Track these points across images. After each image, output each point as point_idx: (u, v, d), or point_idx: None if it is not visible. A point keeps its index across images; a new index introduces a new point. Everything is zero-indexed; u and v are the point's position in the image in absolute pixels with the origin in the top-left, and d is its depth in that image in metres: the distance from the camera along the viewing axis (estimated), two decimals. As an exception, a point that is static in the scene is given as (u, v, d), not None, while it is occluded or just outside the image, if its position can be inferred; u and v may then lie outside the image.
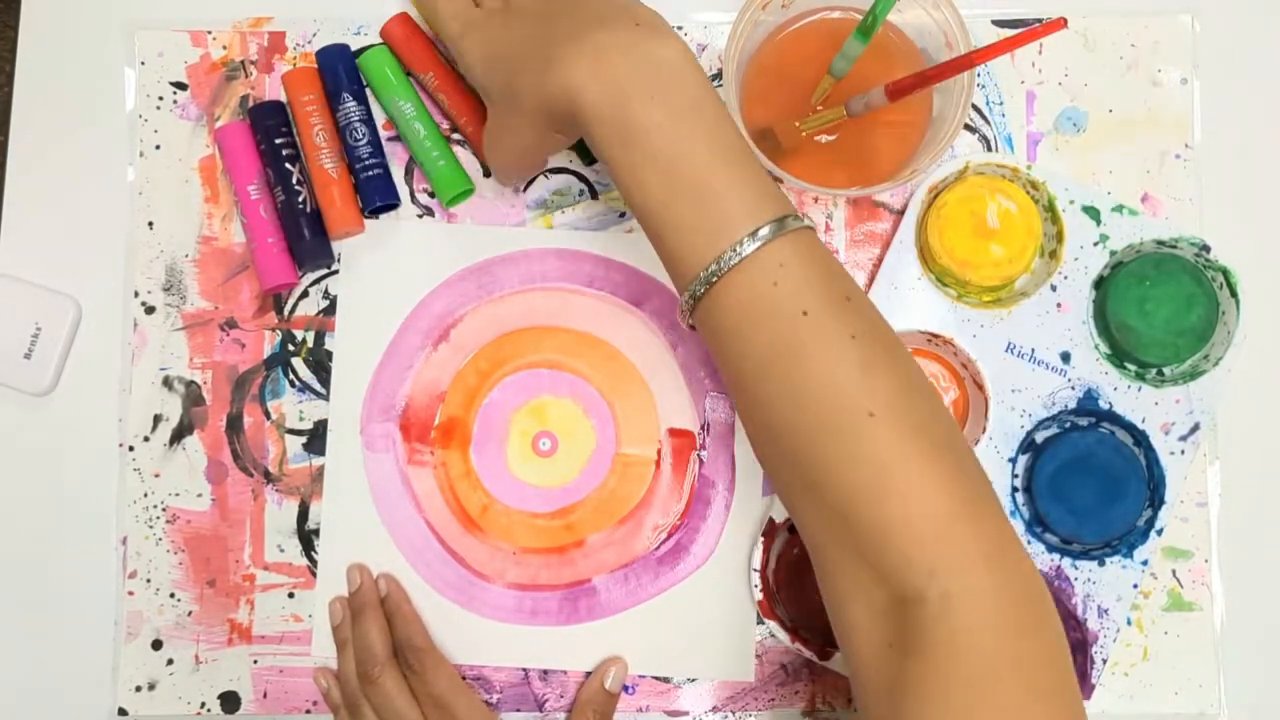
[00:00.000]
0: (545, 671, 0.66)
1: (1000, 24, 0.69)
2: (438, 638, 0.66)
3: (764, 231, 0.50)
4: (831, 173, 0.64)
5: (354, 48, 0.68)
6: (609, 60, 0.53)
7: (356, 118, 0.67)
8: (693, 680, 0.66)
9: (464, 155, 0.68)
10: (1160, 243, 0.66)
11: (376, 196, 0.67)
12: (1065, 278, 0.66)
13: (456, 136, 0.69)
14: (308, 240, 0.66)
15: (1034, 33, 0.56)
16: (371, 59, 0.68)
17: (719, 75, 0.67)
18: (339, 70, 0.67)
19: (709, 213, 0.51)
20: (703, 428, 0.67)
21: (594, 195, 0.68)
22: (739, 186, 0.51)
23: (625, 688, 0.66)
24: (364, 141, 0.67)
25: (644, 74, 0.52)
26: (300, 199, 0.67)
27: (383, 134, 0.68)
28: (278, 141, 0.67)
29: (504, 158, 0.61)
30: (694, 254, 0.51)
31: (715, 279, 0.51)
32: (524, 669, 0.66)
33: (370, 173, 0.67)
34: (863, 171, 0.64)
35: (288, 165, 0.67)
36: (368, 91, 0.68)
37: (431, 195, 0.68)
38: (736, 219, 0.51)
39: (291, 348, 0.68)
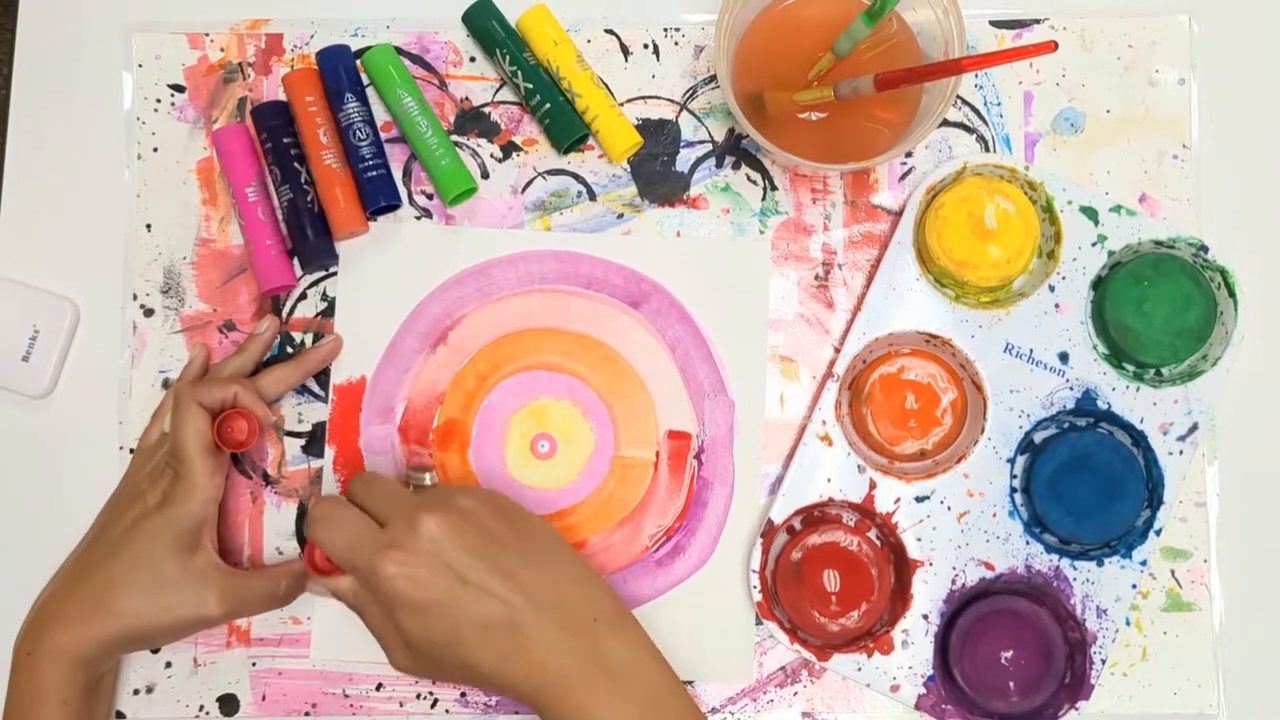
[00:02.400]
0: (544, 673, 0.66)
1: (998, 24, 0.69)
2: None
3: None
4: (812, 154, 0.64)
5: (352, 49, 0.68)
6: (571, 660, 0.55)
7: (359, 118, 0.67)
8: (691, 682, 0.66)
9: (466, 155, 0.68)
10: (1158, 243, 0.66)
11: (380, 196, 0.67)
12: (1063, 278, 0.66)
13: (456, 137, 0.69)
14: (312, 240, 0.66)
15: (1023, 51, 0.56)
16: (375, 56, 0.68)
17: (714, 78, 0.67)
18: (340, 71, 0.67)
19: None
20: (701, 429, 0.67)
21: (592, 197, 0.68)
22: None
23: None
24: (367, 142, 0.67)
25: (607, 673, 0.55)
26: (309, 198, 0.67)
27: (380, 135, 0.68)
28: (285, 141, 0.67)
29: (422, 674, 0.59)
30: None
31: None
32: (523, 671, 0.66)
33: (373, 173, 0.67)
34: (842, 159, 0.64)
35: (296, 165, 0.67)
36: (368, 93, 0.68)
37: (430, 197, 0.68)
38: None
39: (290, 350, 0.68)
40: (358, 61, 0.68)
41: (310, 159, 0.67)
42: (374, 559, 0.55)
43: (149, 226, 0.68)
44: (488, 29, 0.68)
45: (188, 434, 0.60)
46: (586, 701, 0.54)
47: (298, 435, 0.67)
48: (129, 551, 0.60)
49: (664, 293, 0.68)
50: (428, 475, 0.61)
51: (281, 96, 0.68)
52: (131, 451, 0.67)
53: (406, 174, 0.69)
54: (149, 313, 0.68)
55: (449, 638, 0.55)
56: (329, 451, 0.67)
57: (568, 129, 0.67)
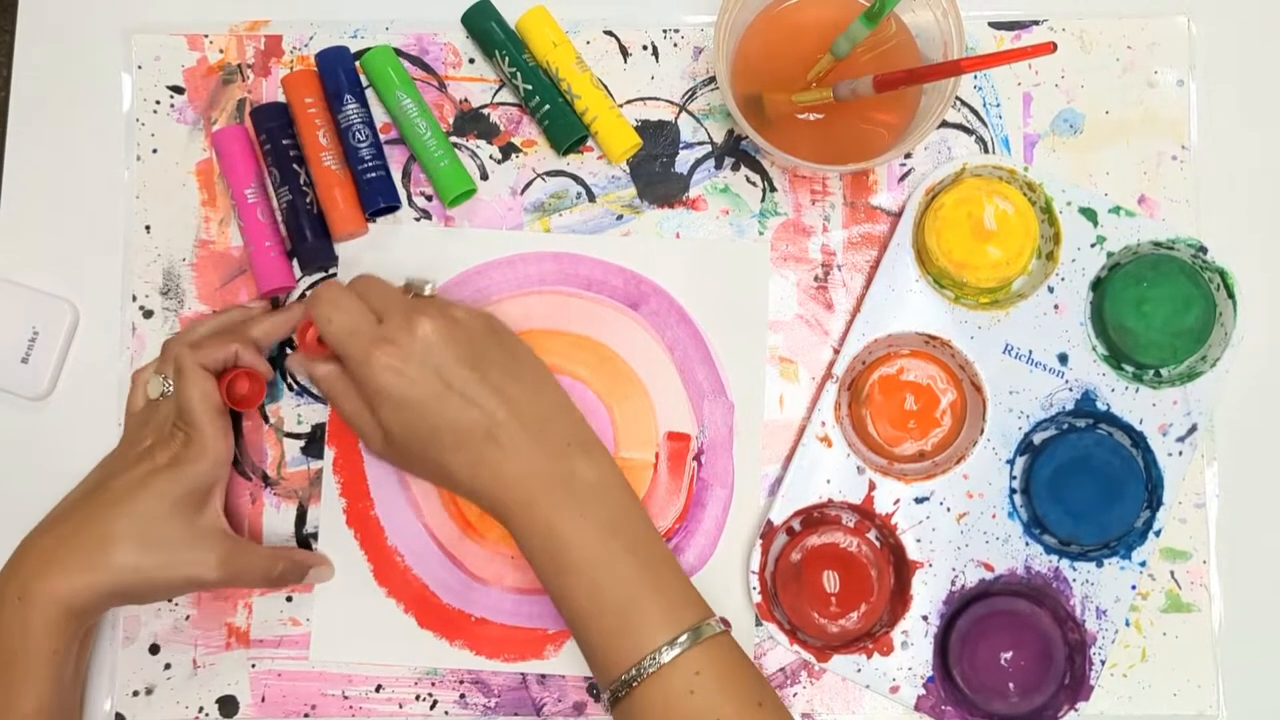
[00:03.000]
0: (543, 676, 0.66)
1: (997, 26, 0.69)
2: (436, 640, 0.66)
3: (682, 639, 0.55)
4: (811, 155, 0.64)
5: (352, 50, 0.68)
6: (541, 476, 0.57)
7: (358, 119, 0.67)
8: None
9: (465, 157, 0.68)
10: (1157, 244, 0.66)
11: (380, 197, 0.67)
12: (1063, 279, 0.66)
13: (456, 139, 0.69)
14: (311, 241, 0.66)
15: (1022, 52, 0.56)
16: (374, 58, 0.68)
17: (713, 79, 0.67)
18: (339, 72, 0.67)
19: (630, 622, 0.56)
20: (700, 431, 0.67)
21: (591, 198, 0.68)
22: (659, 597, 0.57)
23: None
24: (366, 143, 0.67)
25: (573, 492, 0.57)
26: (308, 200, 0.67)
27: (380, 137, 0.68)
28: (284, 142, 0.67)
29: (384, 458, 0.61)
30: (616, 658, 0.56)
31: (636, 683, 0.55)
32: (522, 673, 0.66)
33: (373, 174, 0.67)
34: (841, 160, 0.64)
35: (295, 166, 0.67)
36: (367, 94, 0.68)
37: (429, 198, 0.68)
38: (655, 628, 0.56)
39: (289, 351, 0.68)
40: (357, 63, 0.68)
41: (309, 160, 0.67)
42: (369, 348, 0.57)
43: (148, 228, 0.68)
44: (487, 30, 0.68)
45: (195, 397, 0.60)
46: (550, 515, 0.57)
47: (297, 437, 0.67)
48: (134, 505, 0.59)
49: (663, 294, 0.68)
50: (427, 286, 0.62)
51: (280, 98, 0.69)
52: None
53: (406, 175, 0.69)
54: (148, 314, 0.68)
55: (427, 437, 0.58)
56: (329, 453, 0.67)
57: (567, 130, 0.67)
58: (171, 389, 0.62)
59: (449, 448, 0.57)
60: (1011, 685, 0.63)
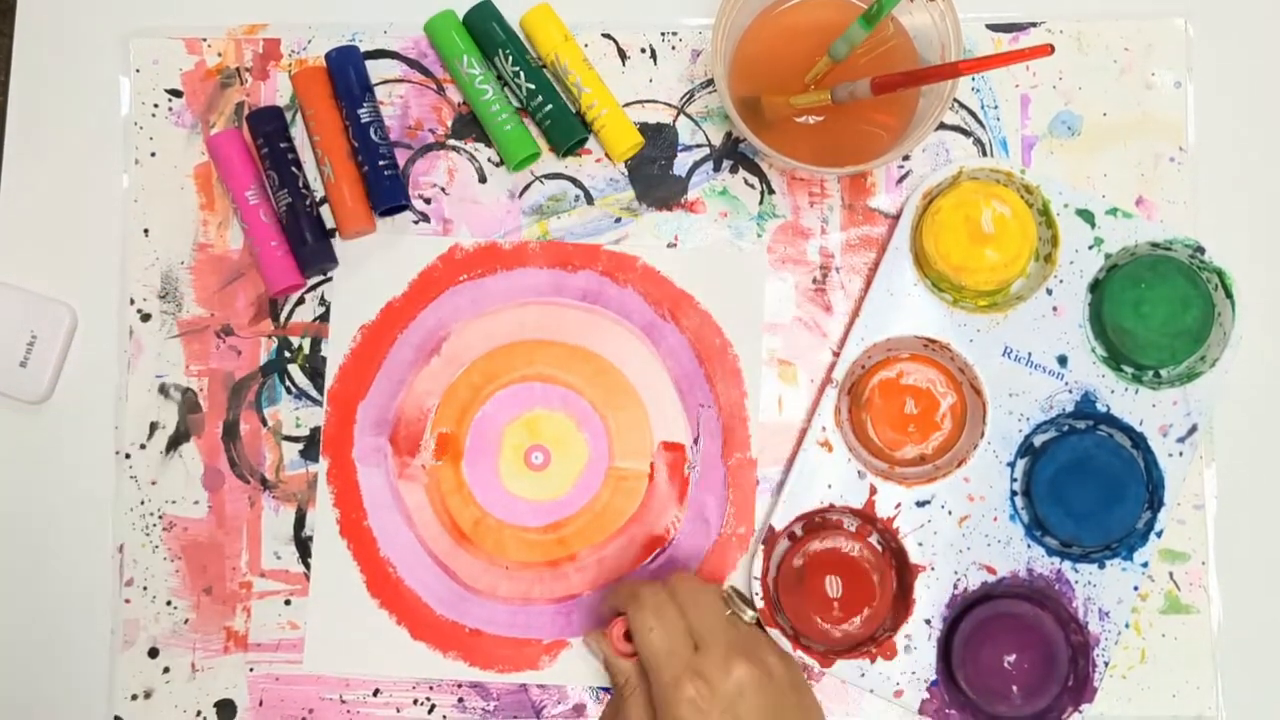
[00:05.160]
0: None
1: (994, 28, 0.69)
2: (430, 651, 0.66)
3: None
4: (809, 157, 0.64)
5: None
6: None
7: (374, 117, 0.67)
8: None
9: (463, 160, 0.68)
10: (1155, 245, 0.66)
11: (400, 195, 0.67)
12: (1061, 281, 0.66)
13: (454, 142, 0.69)
14: (312, 244, 0.66)
15: (1019, 55, 0.56)
16: (438, 23, 0.68)
17: (711, 82, 0.67)
18: (350, 71, 0.67)
19: None
20: (695, 441, 0.67)
21: (589, 201, 0.68)
22: None
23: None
24: (384, 141, 0.67)
25: None
26: (307, 202, 0.67)
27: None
28: (282, 145, 0.67)
29: None
30: None
31: None
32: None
33: (388, 172, 0.67)
34: (839, 162, 0.64)
35: (294, 169, 0.67)
36: (374, 90, 0.68)
37: (428, 201, 0.68)
38: None
39: (288, 354, 0.68)
40: (424, 27, 0.68)
41: (329, 154, 0.67)
42: (681, 675, 0.56)
43: (146, 231, 0.68)
44: (488, 31, 0.68)
45: None
46: None
47: (295, 440, 0.67)
48: None
49: (659, 304, 0.67)
50: (748, 613, 0.61)
51: (278, 101, 0.69)
52: (128, 456, 0.67)
53: (405, 176, 0.69)
54: (146, 317, 0.68)
55: None
56: (323, 462, 0.67)
57: (567, 131, 0.67)
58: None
59: None
60: (1015, 688, 0.63)
